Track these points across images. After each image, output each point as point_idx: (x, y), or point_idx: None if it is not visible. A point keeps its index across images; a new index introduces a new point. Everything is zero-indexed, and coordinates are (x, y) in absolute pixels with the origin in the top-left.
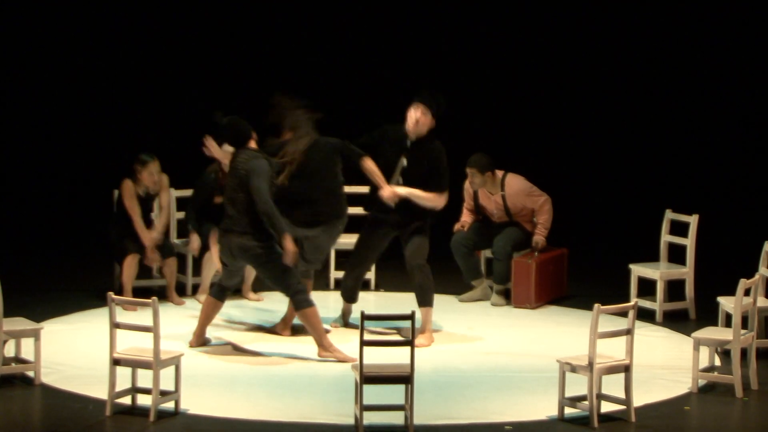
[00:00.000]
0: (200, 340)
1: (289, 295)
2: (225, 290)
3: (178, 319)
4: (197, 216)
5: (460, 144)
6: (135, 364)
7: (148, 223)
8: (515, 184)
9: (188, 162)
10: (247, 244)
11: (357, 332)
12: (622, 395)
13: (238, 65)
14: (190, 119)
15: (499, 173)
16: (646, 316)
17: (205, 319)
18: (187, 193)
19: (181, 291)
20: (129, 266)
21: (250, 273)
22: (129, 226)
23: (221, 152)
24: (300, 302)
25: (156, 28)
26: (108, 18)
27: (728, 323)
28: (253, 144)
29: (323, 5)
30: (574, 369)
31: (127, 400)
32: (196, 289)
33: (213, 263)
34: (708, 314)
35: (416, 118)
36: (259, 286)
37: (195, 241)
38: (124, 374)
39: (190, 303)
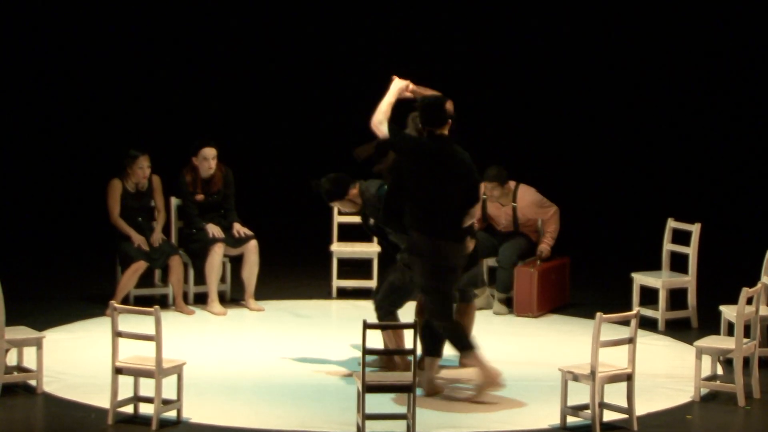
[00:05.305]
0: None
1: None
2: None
3: (183, 328)
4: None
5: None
6: (137, 373)
7: (148, 230)
8: (527, 196)
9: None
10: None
11: None
12: (624, 404)
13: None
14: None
15: (512, 184)
16: (648, 324)
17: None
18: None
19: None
20: (130, 274)
21: (251, 281)
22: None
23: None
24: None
25: (158, 30)
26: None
27: (730, 332)
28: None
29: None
30: (576, 378)
31: (129, 409)
32: (198, 298)
33: (216, 269)
34: (710, 323)
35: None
36: (260, 296)
37: (212, 227)
38: (126, 383)
39: (199, 313)
